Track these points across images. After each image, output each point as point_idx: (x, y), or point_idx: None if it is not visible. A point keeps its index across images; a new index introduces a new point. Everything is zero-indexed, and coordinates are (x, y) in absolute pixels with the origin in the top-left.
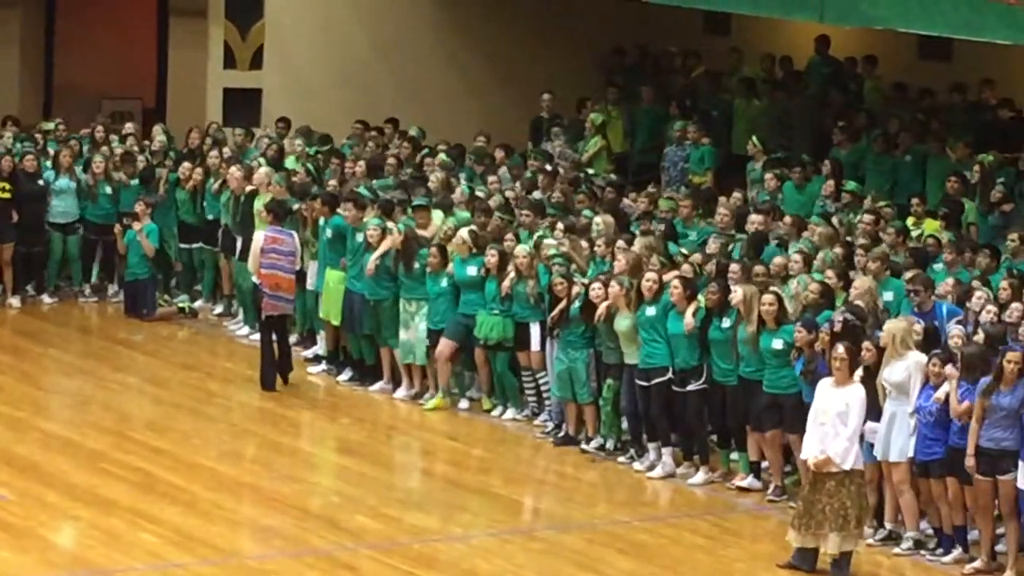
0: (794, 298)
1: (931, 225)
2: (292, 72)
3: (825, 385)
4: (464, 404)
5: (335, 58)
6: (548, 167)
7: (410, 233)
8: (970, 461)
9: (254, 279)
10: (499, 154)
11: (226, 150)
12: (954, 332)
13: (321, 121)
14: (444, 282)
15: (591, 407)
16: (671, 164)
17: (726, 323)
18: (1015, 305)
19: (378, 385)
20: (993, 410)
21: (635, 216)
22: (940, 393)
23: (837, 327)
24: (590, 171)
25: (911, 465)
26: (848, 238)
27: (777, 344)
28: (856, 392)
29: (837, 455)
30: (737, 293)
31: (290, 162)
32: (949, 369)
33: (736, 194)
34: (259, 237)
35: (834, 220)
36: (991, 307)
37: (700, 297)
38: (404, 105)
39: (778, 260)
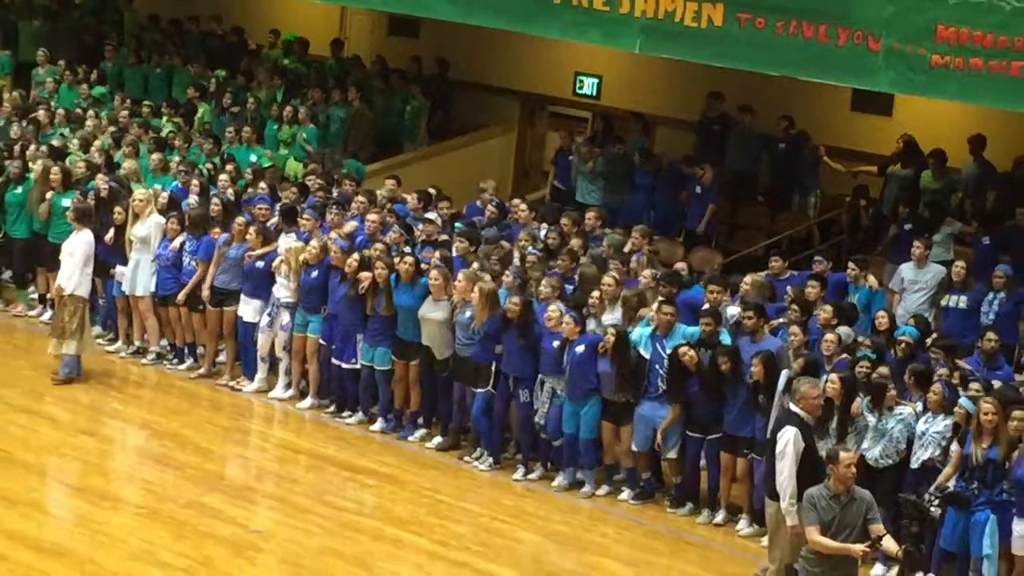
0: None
1: (169, 122)
2: None
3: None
4: None
5: None
6: None
7: None
8: (197, 292)
9: None
10: None
11: None
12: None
13: None
14: None
15: None
16: None
17: (19, 190)
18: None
19: None
20: (224, 258)
21: None
22: (176, 243)
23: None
24: None
25: (153, 298)
26: (112, 127)
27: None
28: (84, 237)
29: (69, 283)
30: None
31: None
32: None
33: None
34: None
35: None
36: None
37: None
38: None
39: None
